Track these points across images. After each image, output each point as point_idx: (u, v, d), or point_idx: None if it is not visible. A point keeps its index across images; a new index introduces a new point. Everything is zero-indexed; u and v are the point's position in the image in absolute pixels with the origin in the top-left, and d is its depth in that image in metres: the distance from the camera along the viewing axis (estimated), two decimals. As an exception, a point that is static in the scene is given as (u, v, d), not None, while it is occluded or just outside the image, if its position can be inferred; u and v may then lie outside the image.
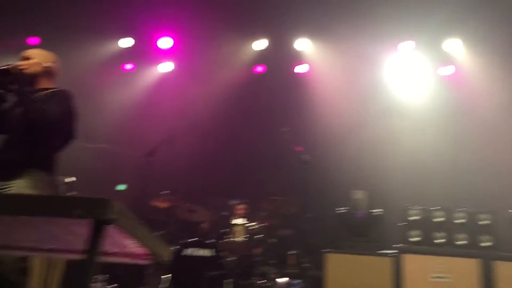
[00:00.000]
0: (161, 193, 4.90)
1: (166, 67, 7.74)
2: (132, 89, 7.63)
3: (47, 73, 3.04)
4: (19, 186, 2.65)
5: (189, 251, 4.34)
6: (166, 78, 7.71)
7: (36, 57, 3.01)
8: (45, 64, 3.02)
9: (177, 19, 6.87)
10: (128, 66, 7.70)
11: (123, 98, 7.45)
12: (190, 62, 7.46)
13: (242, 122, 6.93)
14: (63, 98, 2.90)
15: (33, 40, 7.08)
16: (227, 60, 7.23)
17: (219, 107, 6.89)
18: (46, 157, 2.82)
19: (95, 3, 6.36)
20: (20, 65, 2.88)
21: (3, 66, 2.73)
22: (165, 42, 7.37)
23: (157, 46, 7.41)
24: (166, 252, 1.87)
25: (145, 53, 7.56)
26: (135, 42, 7.47)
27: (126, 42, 7.45)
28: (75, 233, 1.69)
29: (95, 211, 1.39)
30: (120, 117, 6.94)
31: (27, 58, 2.99)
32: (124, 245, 1.77)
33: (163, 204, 4.82)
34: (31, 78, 2.93)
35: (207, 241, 4.53)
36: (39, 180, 2.66)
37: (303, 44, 7.19)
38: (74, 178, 3.98)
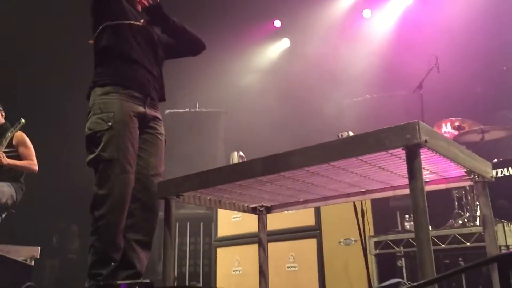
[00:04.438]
0: (444, 120, 4.61)
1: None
2: (375, 33, 7.44)
3: None
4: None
5: (499, 172, 3.96)
6: (407, 11, 7.25)
7: None
8: None
9: None
10: (367, 13, 7.53)
11: (369, 45, 7.32)
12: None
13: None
14: None
15: (277, 22, 7.63)
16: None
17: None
18: None
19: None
20: None
21: None
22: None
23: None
24: (488, 168, 1.71)
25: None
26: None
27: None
28: (386, 169, 1.70)
29: (406, 138, 1.35)
30: (384, 63, 6.80)
31: None
32: (440, 170, 1.69)
33: (449, 132, 4.53)
34: None
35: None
36: None
37: None
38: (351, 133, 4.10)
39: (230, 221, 4.44)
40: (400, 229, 4.43)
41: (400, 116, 6.02)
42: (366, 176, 1.79)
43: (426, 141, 1.35)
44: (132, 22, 2.65)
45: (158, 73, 2.75)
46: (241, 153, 4.99)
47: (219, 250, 4.48)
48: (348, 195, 2.08)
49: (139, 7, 2.83)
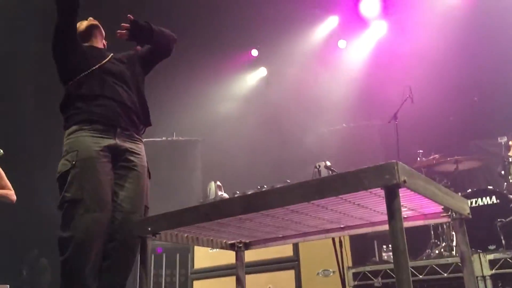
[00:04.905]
0: (419, 152, 4.68)
1: (378, 29, 7.46)
2: (350, 63, 7.59)
3: None
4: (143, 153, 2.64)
5: (473, 202, 4.03)
6: (380, 42, 7.43)
7: None
8: None
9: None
10: (342, 43, 7.68)
11: (345, 75, 7.45)
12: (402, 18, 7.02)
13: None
14: None
15: (254, 52, 7.74)
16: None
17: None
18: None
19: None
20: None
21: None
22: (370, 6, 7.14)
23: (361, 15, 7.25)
24: (465, 205, 1.73)
25: (352, 25, 7.46)
26: (339, 18, 7.47)
27: (332, 21, 7.51)
28: (365, 206, 1.70)
29: (384, 178, 1.35)
30: (359, 93, 6.91)
31: None
32: (418, 206, 1.70)
33: (423, 164, 4.61)
34: None
35: (489, 187, 4.13)
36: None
37: None
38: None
39: (208, 253, 4.38)
40: (378, 259, 4.45)
41: (377, 145, 6.12)
42: (345, 213, 1.79)
43: (404, 181, 1.35)
44: (93, 68, 2.56)
45: (134, 101, 2.61)
46: (218, 183, 4.95)
47: (196, 282, 4.40)
48: (327, 231, 2.07)
49: (102, 44, 2.81)
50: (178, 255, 5.21)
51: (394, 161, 1.37)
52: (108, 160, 2.40)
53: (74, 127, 2.41)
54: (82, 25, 2.74)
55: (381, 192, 1.47)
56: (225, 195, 4.71)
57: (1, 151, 4.14)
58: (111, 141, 2.43)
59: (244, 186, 4.58)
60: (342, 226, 2.02)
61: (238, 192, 4.39)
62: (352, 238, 3.88)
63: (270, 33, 7.12)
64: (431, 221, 1.82)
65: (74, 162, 2.30)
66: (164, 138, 6.56)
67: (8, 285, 3.33)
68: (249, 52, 7.84)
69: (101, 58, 2.64)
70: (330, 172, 3.92)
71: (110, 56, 2.68)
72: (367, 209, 1.74)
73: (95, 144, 2.37)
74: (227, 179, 5.03)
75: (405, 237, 1.33)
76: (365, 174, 1.39)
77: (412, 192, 1.48)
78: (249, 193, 3.86)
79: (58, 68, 2.58)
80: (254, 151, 6.83)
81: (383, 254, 4.31)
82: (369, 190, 1.47)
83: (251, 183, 4.71)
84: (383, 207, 1.70)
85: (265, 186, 4.19)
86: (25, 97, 6.56)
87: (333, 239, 3.64)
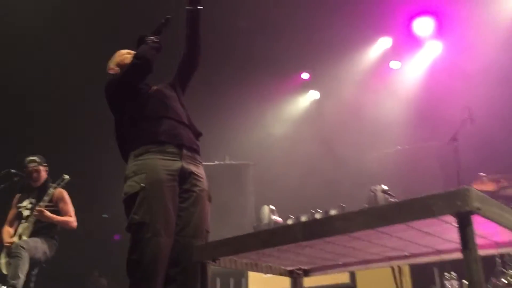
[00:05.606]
0: (481, 175, 4.47)
1: (433, 48, 7.27)
2: (404, 84, 7.42)
3: None
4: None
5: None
6: (436, 62, 7.24)
7: None
8: None
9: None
10: (394, 64, 7.54)
11: (399, 95, 7.28)
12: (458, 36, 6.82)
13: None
14: None
15: (305, 75, 7.74)
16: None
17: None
18: None
19: (339, 18, 6.51)
20: None
21: (167, 17, 2.85)
22: (423, 26, 7.00)
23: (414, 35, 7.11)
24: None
25: (405, 45, 7.33)
26: (392, 39, 7.36)
27: (385, 42, 7.41)
28: (432, 234, 1.63)
29: (456, 205, 1.29)
30: (414, 113, 6.72)
31: None
32: (489, 234, 1.61)
33: (486, 187, 4.39)
34: None
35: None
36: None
37: None
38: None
39: (262, 278, 4.33)
40: (438, 287, 4.24)
41: (434, 168, 5.90)
42: (410, 240, 1.71)
43: (478, 208, 1.28)
44: (151, 91, 2.70)
45: (190, 120, 2.70)
46: (271, 207, 4.92)
47: (250, 308, 4.35)
48: (390, 258, 2.00)
49: None
50: (232, 280, 5.18)
51: (466, 186, 1.30)
52: (175, 183, 2.43)
53: (141, 149, 2.46)
54: (127, 59, 2.84)
55: (450, 219, 1.40)
56: (279, 219, 4.66)
57: (67, 176, 4.32)
58: (178, 164, 2.46)
59: (297, 209, 4.50)
60: (406, 254, 1.94)
61: (292, 216, 4.33)
62: (412, 265, 3.72)
63: (322, 56, 7.09)
64: (504, 250, 1.71)
65: (143, 185, 2.33)
66: (216, 162, 6.61)
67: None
68: (299, 75, 7.85)
69: (150, 84, 2.78)
70: (387, 196, 3.80)
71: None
72: (434, 236, 1.66)
73: (163, 167, 2.41)
74: (280, 203, 4.96)
75: (481, 267, 1.25)
76: (434, 200, 1.33)
77: (484, 219, 1.40)
78: (304, 217, 3.81)
79: (115, 94, 2.69)
80: (307, 174, 6.76)
81: (445, 282, 4.10)
82: (438, 217, 1.40)
83: (304, 207, 4.63)
84: (451, 234, 1.62)
85: (319, 210, 4.12)
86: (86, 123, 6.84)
87: (392, 267, 3.51)
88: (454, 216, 1.33)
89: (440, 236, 1.65)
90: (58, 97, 6.53)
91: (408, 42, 7.25)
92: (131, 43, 2.91)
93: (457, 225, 1.32)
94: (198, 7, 2.75)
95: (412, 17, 6.99)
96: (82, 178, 5.59)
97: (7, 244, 4.21)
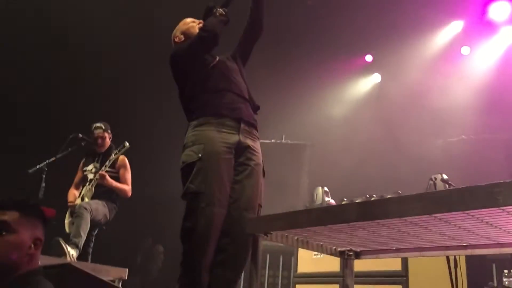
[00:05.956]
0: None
1: (508, 35, 6.85)
2: (473, 71, 7.06)
3: None
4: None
5: None
6: (510, 49, 6.82)
7: None
8: None
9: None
10: (465, 50, 7.18)
11: (468, 83, 6.95)
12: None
13: None
14: None
15: (368, 57, 7.54)
16: None
17: None
18: None
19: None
20: None
21: None
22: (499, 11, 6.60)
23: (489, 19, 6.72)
24: None
25: (478, 30, 6.94)
26: (464, 23, 7.00)
27: (456, 26, 7.06)
28: (495, 225, 1.55)
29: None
30: (482, 103, 6.42)
31: None
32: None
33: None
34: None
35: None
36: None
37: None
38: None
39: (311, 258, 4.33)
40: (495, 284, 4.08)
41: (500, 161, 5.62)
42: (470, 230, 1.65)
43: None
44: (214, 63, 2.71)
45: (250, 94, 2.73)
46: (325, 188, 4.88)
47: (298, 286, 4.37)
48: (447, 247, 1.93)
49: None
50: (281, 257, 5.23)
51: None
52: (231, 156, 2.47)
53: (200, 120, 2.51)
54: (193, 27, 2.87)
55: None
56: (332, 201, 4.63)
57: (127, 144, 4.47)
58: (235, 138, 2.51)
59: (351, 193, 4.46)
60: (464, 244, 1.87)
61: (345, 199, 4.28)
62: (469, 258, 3.58)
63: (387, 39, 6.87)
64: None
65: (200, 155, 2.38)
66: (273, 141, 6.63)
67: (127, 269, 3.57)
68: (363, 57, 7.65)
69: (214, 55, 2.78)
70: (448, 186, 3.67)
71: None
72: (496, 228, 1.59)
73: (221, 140, 2.45)
74: (334, 185, 4.94)
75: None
76: (500, 189, 1.26)
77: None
78: (358, 200, 3.76)
79: (180, 64, 2.73)
80: (364, 158, 6.64)
81: (504, 279, 3.94)
82: (503, 208, 1.34)
83: (358, 191, 4.57)
84: (515, 227, 1.54)
85: (374, 196, 4.05)
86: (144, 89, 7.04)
87: (448, 258, 3.40)
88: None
89: (502, 227, 1.58)
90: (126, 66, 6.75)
91: (481, 26, 6.87)
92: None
93: (522, 217, 1.26)
94: None
95: (489, 1, 6.61)
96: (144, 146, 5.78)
97: (71, 205, 4.46)
